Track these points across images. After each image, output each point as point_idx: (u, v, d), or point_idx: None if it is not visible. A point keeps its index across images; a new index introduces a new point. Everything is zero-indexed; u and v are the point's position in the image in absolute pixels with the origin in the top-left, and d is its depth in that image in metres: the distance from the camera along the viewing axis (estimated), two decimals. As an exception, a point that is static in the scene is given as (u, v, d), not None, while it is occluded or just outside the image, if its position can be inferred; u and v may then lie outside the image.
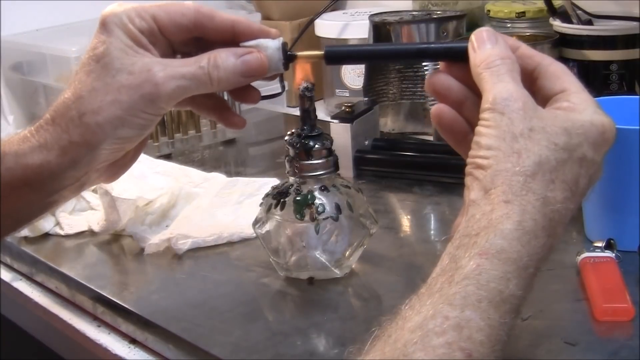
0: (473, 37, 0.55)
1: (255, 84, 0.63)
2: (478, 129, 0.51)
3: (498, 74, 0.52)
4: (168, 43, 0.61)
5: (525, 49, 0.55)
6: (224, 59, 0.59)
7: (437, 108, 0.57)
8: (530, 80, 0.54)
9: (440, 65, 0.58)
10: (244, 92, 0.63)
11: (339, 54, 0.63)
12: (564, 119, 0.50)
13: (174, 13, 0.60)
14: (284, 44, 0.61)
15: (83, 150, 0.58)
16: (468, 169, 0.51)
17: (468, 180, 0.50)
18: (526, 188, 0.48)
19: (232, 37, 0.61)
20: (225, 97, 0.69)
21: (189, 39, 0.61)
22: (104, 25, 0.58)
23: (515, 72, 0.52)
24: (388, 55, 0.65)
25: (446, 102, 0.57)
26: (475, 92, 0.56)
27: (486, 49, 0.53)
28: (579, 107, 0.51)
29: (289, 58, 0.61)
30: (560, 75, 0.53)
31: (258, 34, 0.61)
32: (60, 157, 0.58)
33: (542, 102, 0.53)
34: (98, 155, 0.59)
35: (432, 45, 0.59)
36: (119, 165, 0.64)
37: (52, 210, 0.65)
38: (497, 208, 0.47)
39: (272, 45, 0.61)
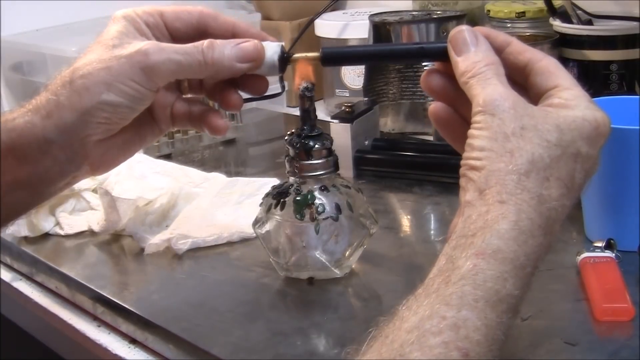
0: (452, 38, 0.54)
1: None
2: (470, 131, 0.51)
3: (485, 79, 0.52)
4: (172, 41, 0.62)
5: (516, 45, 0.55)
6: (220, 43, 0.60)
7: (434, 106, 0.58)
8: (523, 77, 0.54)
9: (437, 63, 0.58)
10: (227, 96, 0.64)
11: (336, 56, 0.63)
12: (555, 115, 0.50)
13: (180, 11, 0.63)
14: (281, 46, 0.62)
15: (68, 113, 0.58)
16: (462, 170, 0.51)
17: (462, 181, 0.50)
18: (520, 187, 0.48)
19: (232, 38, 0.62)
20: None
21: (193, 40, 0.62)
22: (114, 19, 0.62)
23: (502, 74, 0.52)
24: (385, 56, 0.65)
25: (442, 99, 0.57)
26: None
27: (469, 56, 0.53)
28: (570, 103, 0.51)
29: (285, 61, 0.61)
30: (552, 71, 0.53)
31: (256, 37, 0.62)
32: (45, 119, 0.59)
33: (535, 98, 0.53)
34: (84, 122, 0.59)
35: (429, 45, 0.59)
36: (105, 149, 0.62)
37: (45, 199, 0.64)
38: (492, 208, 0.47)
39: (269, 47, 0.61)
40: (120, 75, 0.58)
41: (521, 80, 0.54)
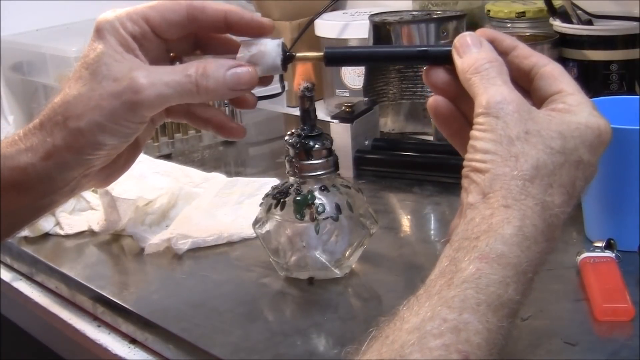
0: (456, 42, 0.54)
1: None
2: (473, 132, 0.50)
3: (488, 78, 0.51)
4: (162, 44, 0.61)
5: (522, 49, 0.54)
6: (214, 69, 0.57)
7: (434, 100, 0.57)
8: (527, 81, 0.54)
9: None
10: (241, 97, 0.63)
11: (339, 56, 0.63)
12: (559, 121, 0.50)
13: (165, 11, 0.59)
14: (283, 45, 0.60)
15: (66, 155, 0.58)
16: (465, 171, 0.50)
17: (465, 182, 0.50)
18: (525, 193, 0.48)
19: (225, 29, 0.61)
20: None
21: (184, 37, 0.61)
22: (97, 32, 0.58)
23: (505, 74, 0.52)
24: (388, 58, 0.65)
25: (443, 94, 0.57)
26: None
27: (472, 54, 0.53)
28: (574, 109, 0.51)
29: (287, 59, 0.61)
30: (556, 77, 0.53)
31: (250, 23, 0.60)
32: (44, 160, 0.58)
33: (538, 102, 0.53)
34: (83, 160, 0.59)
35: (433, 49, 0.58)
36: (110, 171, 0.63)
37: (46, 213, 0.65)
38: (496, 212, 0.47)
39: (270, 46, 0.60)
40: (112, 115, 0.57)
41: (525, 85, 0.54)
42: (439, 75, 0.57)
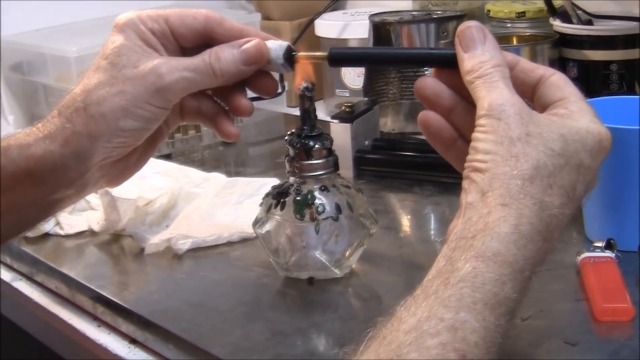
0: (460, 33, 0.54)
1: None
2: (475, 134, 0.51)
3: (491, 82, 0.52)
4: (179, 47, 0.62)
5: (525, 63, 0.55)
6: (225, 50, 0.60)
7: (424, 115, 0.57)
8: (531, 94, 0.54)
9: (433, 70, 0.58)
10: (236, 102, 0.64)
11: (343, 56, 0.63)
12: (560, 125, 0.50)
13: (185, 16, 0.62)
14: (288, 45, 0.62)
15: (86, 141, 0.59)
16: (465, 172, 0.51)
17: (465, 183, 0.50)
18: (524, 192, 0.48)
19: None
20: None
21: (199, 45, 0.62)
22: (117, 27, 0.61)
23: (507, 78, 0.52)
24: (392, 60, 0.64)
25: (435, 108, 0.57)
26: (465, 98, 0.56)
27: (476, 54, 0.53)
28: (575, 115, 0.51)
29: (292, 58, 0.61)
30: (560, 85, 0.53)
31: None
32: (63, 147, 0.59)
33: (540, 109, 0.53)
34: (101, 148, 0.59)
35: (438, 51, 0.58)
36: (122, 168, 0.64)
37: (56, 211, 0.65)
38: (493, 211, 0.47)
39: (276, 46, 0.62)
40: (136, 99, 0.58)
41: (528, 97, 0.54)
42: (429, 87, 0.57)
